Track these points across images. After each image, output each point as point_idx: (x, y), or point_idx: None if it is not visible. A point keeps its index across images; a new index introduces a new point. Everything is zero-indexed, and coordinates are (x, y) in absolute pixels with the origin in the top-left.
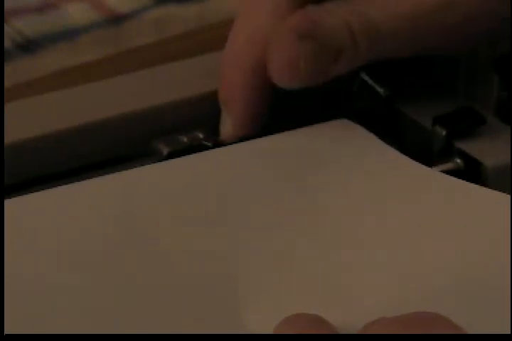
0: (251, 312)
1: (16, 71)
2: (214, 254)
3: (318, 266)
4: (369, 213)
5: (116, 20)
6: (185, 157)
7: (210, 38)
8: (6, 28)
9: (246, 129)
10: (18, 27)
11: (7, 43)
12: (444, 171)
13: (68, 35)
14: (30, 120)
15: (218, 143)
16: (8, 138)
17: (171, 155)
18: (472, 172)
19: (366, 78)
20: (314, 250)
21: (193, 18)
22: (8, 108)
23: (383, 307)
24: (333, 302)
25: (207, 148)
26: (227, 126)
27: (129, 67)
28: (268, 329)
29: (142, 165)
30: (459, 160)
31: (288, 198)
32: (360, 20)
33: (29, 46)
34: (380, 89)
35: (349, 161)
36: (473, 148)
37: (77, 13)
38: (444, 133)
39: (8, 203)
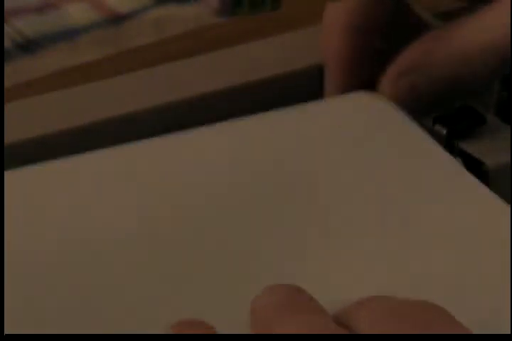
0: None
1: (16, 71)
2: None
3: (328, 254)
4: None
5: (116, 20)
6: (202, 128)
7: (210, 38)
8: (6, 28)
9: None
10: (18, 27)
11: (7, 43)
12: None
13: (68, 35)
14: (30, 120)
15: None
16: (8, 138)
17: None
18: (473, 171)
19: None
20: (325, 239)
21: (193, 18)
22: (8, 108)
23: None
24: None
25: None
26: (328, 86)
27: (129, 67)
28: None
29: None
30: (459, 160)
31: (308, 173)
32: (477, 40)
33: (29, 46)
34: None
35: (371, 137)
36: (474, 147)
37: (77, 13)
38: (444, 132)
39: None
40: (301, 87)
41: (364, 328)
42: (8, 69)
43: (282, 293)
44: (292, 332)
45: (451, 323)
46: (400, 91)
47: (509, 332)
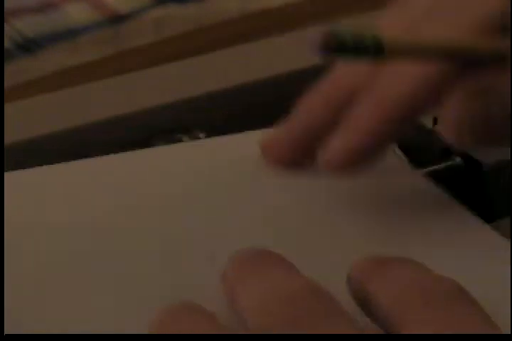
0: None
1: (16, 71)
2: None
3: None
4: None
5: (116, 20)
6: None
7: (210, 38)
8: (6, 28)
9: None
10: (18, 27)
11: (7, 43)
12: (444, 171)
13: (68, 35)
14: (30, 120)
15: None
16: (8, 138)
17: None
18: (472, 171)
19: None
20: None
21: (193, 18)
22: (8, 108)
23: None
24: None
25: None
26: None
27: (129, 67)
28: None
29: None
30: (459, 160)
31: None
32: None
33: (29, 46)
34: None
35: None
36: (474, 148)
37: (77, 13)
38: None
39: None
40: (301, 87)
41: (388, 310)
42: (8, 69)
43: (249, 253)
44: (253, 288)
45: (481, 320)
46: (470, 117)
47: (509, 332)
